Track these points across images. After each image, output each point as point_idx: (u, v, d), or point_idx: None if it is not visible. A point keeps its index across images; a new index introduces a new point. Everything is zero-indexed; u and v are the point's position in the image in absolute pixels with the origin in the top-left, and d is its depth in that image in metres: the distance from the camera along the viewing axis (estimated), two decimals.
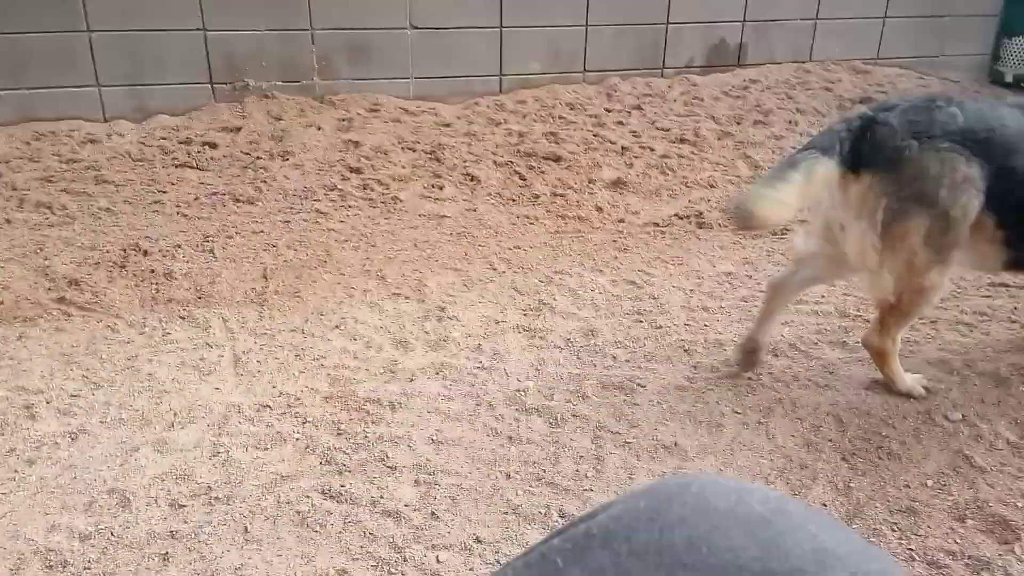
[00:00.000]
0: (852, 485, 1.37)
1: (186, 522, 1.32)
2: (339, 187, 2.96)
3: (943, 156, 1.45)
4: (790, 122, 3.60)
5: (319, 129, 3.43)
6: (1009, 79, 4.04)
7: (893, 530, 1.27)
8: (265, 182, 3.01)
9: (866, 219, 1.50)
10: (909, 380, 1.63)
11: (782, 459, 1.45)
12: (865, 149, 1.50)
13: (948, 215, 1.46)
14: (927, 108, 1.50)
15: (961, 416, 1.55)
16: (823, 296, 2.10)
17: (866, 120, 1.53)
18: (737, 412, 1.60)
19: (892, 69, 4.25)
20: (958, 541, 1.24)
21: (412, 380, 1.74)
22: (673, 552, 0.31)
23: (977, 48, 4.43)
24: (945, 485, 1.36)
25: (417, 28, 3.74)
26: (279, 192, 2.94)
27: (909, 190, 1.46)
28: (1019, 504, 1.32)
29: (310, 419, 1.59)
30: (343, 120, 3.53)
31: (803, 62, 4.24)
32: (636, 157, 3.26)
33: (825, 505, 1.33)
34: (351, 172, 3.07)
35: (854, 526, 1.27)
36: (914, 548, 1.23)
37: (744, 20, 4.16)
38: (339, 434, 1.54)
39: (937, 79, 4.17)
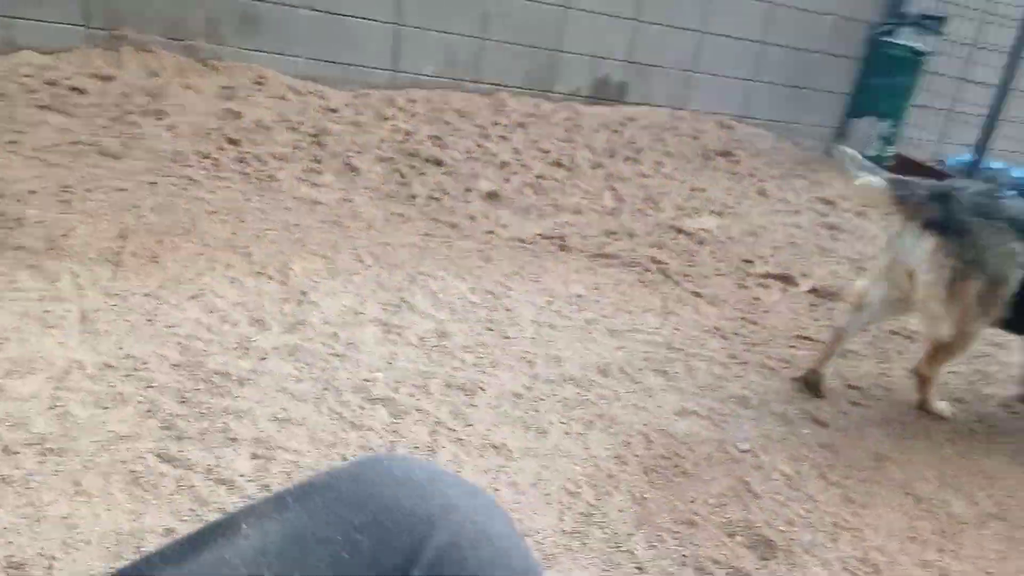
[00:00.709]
0: (647, 496, 1.57)
1: (17, 468, 1.31)
2: (214, 156, 2.92)
3: (999, 231, 1.85)
4: (657, 163, 3.90)
5: (199, 93, 3.35)
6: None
7: (673, 538, 1.47)
8: (134, 138, 2.91)
9: (935, 272, 1.89)
10: (940, 404, 2.10)
11: (592, 467, 1.62)
12: (942, 216, 1.88)
13: (997, 279, 1.87)
14: (990, 194, 1.93)
15: (748, 448, 1.79)
16: (656, 328, 2.34)
17: (947, 192, 1.93)
18: (563, 422, 1.77)
19: (753, 128, 4.69)
20: (725, 553, 1.46)
21: (264, 359, 1.78)
22: (360, 498, 0.49)
23: (829, 122, 4.97)
24: (724, 505, 1.58)
25: (314, 10, 3.73)
26: (148, 152, 2.86)
27: (971, 254, 1.85)
28: (782, 528, 1.56)
29: (155, 384, 1.60)
30: (225, 88, 3.46)
31: (677, 109, 4.59)
32: (514, 173, 3.42)
33: (621, 511, 1.51)
34: (229, 143, 3.03)
35: (641, 531, 1.47)
36: (687, 555, 1.43)
37: (628, 61, 4.45)
38: (183, 402, 1.56)
39: (791, 144, 4.64)
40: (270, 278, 2.17)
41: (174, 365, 1.69)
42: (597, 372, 2.01)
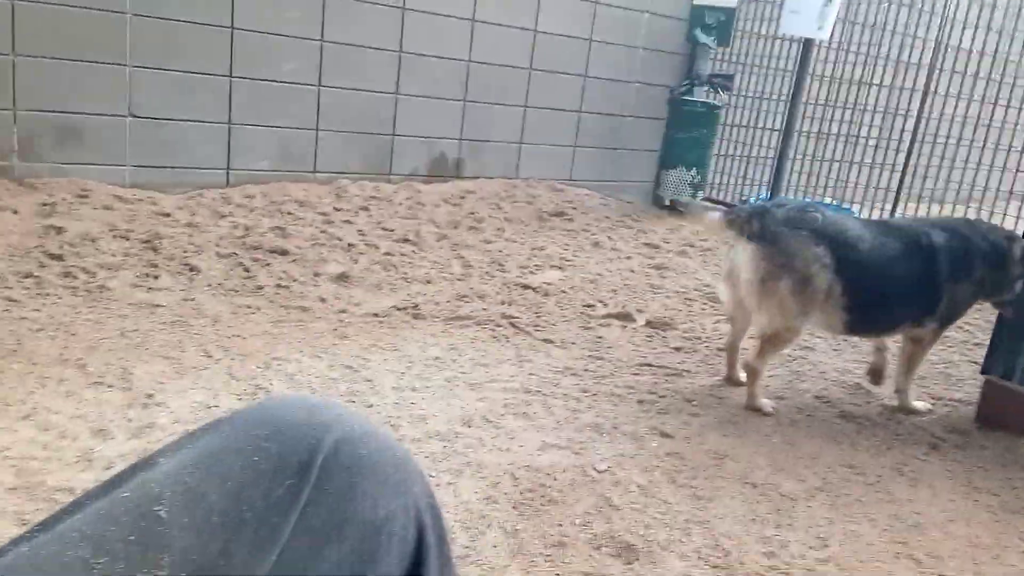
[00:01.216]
0: (518, 528, 1.64)
1: None
2: (35, 274, 2.78)
3: (801, 238, 2.21)
4: (499, 229, 4.11)
5: (15, 213, 3.20)
6: (667, 202, 5.02)
7: (546, 561, 1.54)
8: None
9: (751, 273, 2.25)
10: (763, 401, 2.35)
11: (464, 512, 1.67)
12: (758, 228, 2.23)
13: (803, 278, 2.21)
14: (801, 209, 2.31)
15: (606, 467, 1.92)
16: (513, 376, 2.45)
17: (763, 210, 2.29)
18: (432, 475, 1.81)
19: (582, 189, 5.06)
20: (594, 565, 1.55)
21: (109, 468, 1.71)
22: (263, 418, 0.58)
23: (646, 176, 5.45)
24: (588, 522, 1.68)
25: (137, 117, 3.70)
26: None
27: (779, 259, 2.21)
28: (641, 532, 1.67)
29: None
30: (45, 204, 3.33)
31: (511, 178, 4.88)
32: (361, 254, 3.49)
33: (495, 546, 1.57)
34: (51, 259, 2.91)
35: (516, 561, 1.53)
36: (560, 572, 1.51)
37: (461, 138, 4.71)
38: (23, 524, 1.47)
39: (616, 200, 5.04)
40: (110, 386, 2.08)
41: (10, 489, 1.59)
42: (461, 424, 2.08)
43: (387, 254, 3.54)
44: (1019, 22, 4.02)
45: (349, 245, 3.55)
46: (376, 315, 2.90)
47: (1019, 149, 4.70)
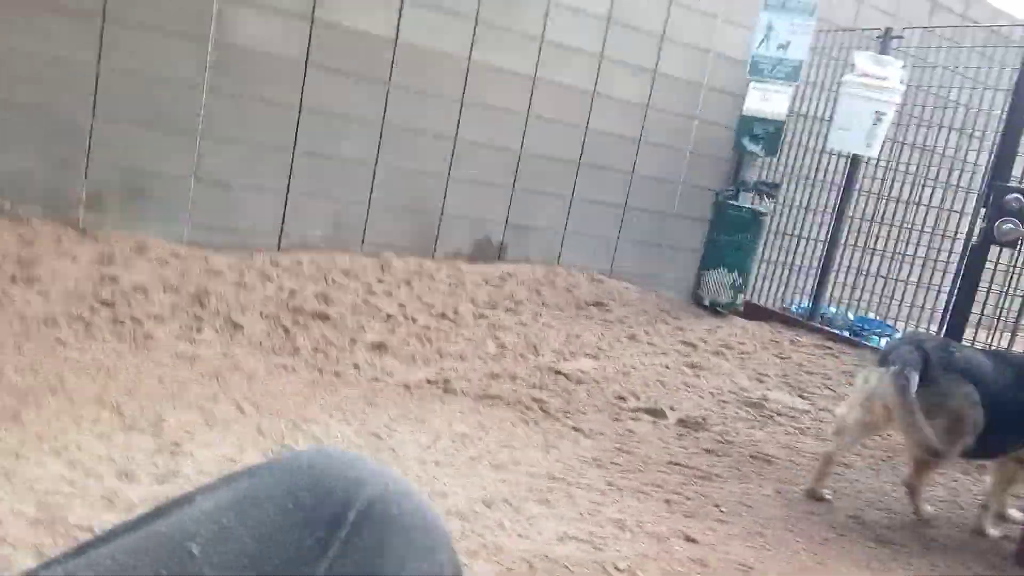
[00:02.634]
0: None
1: None
2: (85, 318, 2.88)
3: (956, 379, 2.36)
4: (536, 313, 4.14)
5: (74, 260, 3.34)
6: (706, 303, 5.00)
7: None
8: (1, 306, 2.84)
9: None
10: (925, 507, 2.49)
11: None
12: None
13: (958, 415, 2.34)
14: (946, 348, 2.46)
15: (626, 567, 1.85)
16: (538, 461, 2.42)
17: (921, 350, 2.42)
18: None
19: (621, 282, 5.09)
20: None
21: (130, 510, 1.71)
22: (300, 467, 0.59)
23: (686, 274, 5.47)
24: None
25: (201, 179, 3.88)
26: (16, 316, 2.79)
27: (938, 397, 2.34)
28: None
29: (9, 541, 1.50)
30: (104, 255, 3.47)
31: (552, 265, 4.95)
32: (399, 325, 3.54)
33: None
34: (102, 305, 3.01)
35: None
36: None
37: (507, 223, 4.82)
38: (40, 557, 1.48)
39: (655, 295, 5.05)
40: (141, 431, 2.11)
41: (31, 522, 1.60)
42: (482, 504, 2.05)
43: (424, 327, 3.59)
44: None
45: (388, 316, 3.60)
46: (407, 386, 2.92)
47: None
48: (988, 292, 3.84)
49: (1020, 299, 3.94)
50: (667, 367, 3.70)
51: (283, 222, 4.13)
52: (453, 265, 4.54)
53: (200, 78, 3.78)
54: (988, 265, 3.91)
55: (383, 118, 4.27)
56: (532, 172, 4.82)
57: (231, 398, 2.45)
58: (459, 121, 4.50)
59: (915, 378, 2.32)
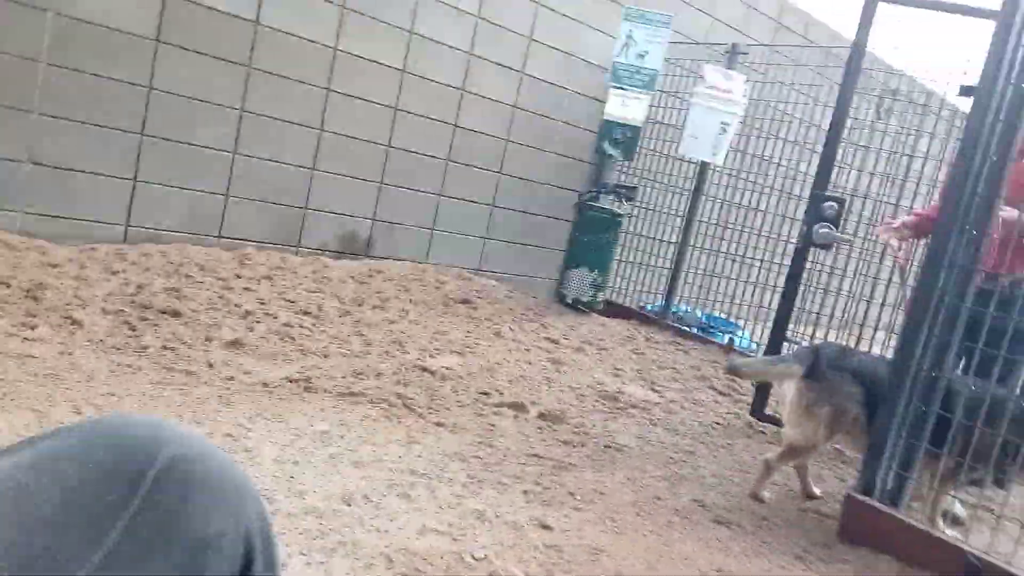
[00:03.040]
0: None
1: None
2: None
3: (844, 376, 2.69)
4: (403, 310, 4.13)
5: None
6: (569, 301, 5.19)
7: None
8: None
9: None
10: (765, 493, 2.78)
11: None
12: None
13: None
14: (842, 351, 2.83)
15: (484, 555, 1.91)
16: (400, 457, 2.43)
17: (815, 351, 2.80)
18: (303, 553, 1.76)
19: (489, 280, 5.18)
20: None
21: None
22: (101, 429, 0.60)
23: (551, 273, 5.65)
24: None
25: (38, 164, 3.58)
26: None
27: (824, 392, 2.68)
28: None
29: None
30: None
31: (420, 262, 4.96)
32: (258, 322, 3.43)
33: None
34: None
35: None
36: None
37: (374, 219, 4.77)
38: None
39: (521, 293, 5.17)
40: None
41: None
42: (341, 502, 2.04)
43: (286, 324, 3.49)
44: (899, 169, 4.52)
45: (247, 312, 3.48)
46: (266, 385, 2.84)
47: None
48: (817, 291, 4.24)
49: (846, 297, 4.38)
50: (530, 363, 3.82)
51: (130, 212, 3.88)
52: (318, 260, 4.45)
53: (37, 50, 3.48)
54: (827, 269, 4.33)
55: (242, 104, 4.10)
56: (401, 168, 4.80)
57: (68, 400, 2.29)
58: (324, 112, 4.40)
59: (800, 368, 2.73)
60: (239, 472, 0.62)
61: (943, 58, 3.68)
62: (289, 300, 3.80)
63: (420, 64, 4.70)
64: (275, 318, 3.52)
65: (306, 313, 3.70)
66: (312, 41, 4.26)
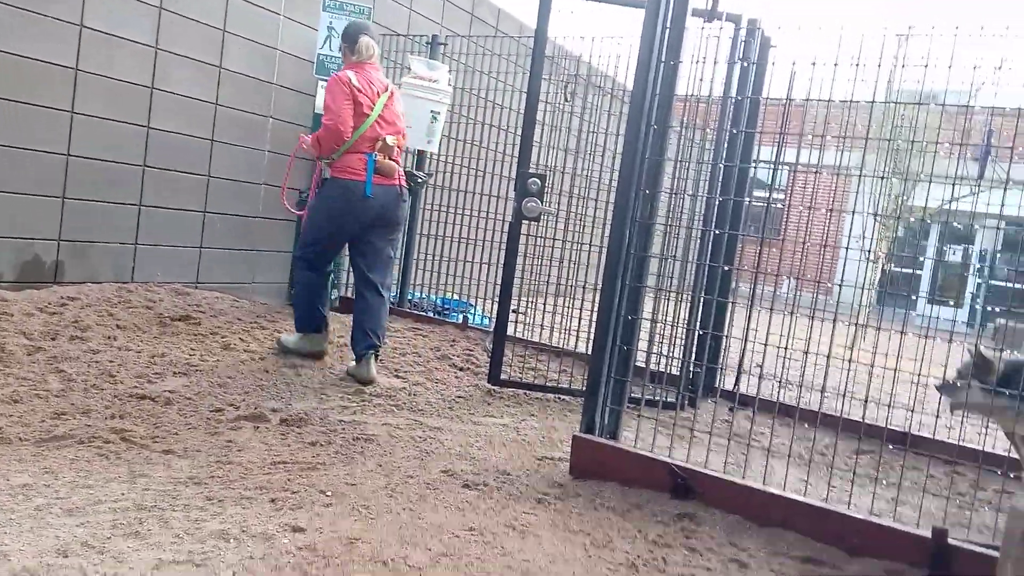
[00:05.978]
0: None
1: None
2: None
3: None
4: (109, 337, 3.70)
5: None
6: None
7: None
8: None
9: None
10: None
11: None
12: None
13: None
14: None
15: (232, 574, 1.81)
16: (122, 495, 2.19)
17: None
18: None
19: (211, 292, 4.83)
20: None
21: None
22: None
23: (280, 278, 5.42)
24: None
25: None
26: None
27: None
28: None
29: None
30: None
31: (125, 283, 4.46)
32: None
33: None
34: None
35: None
36: None
37: (60, 239, 4.20)
38: None
39: (249, 301, 4.90)
40: None
41: None
42: (55, 555, 1.79)
43: None
44: (588, 145, 5.05)
45: None
46: None
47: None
48: (540, 260, 4.59)
49: (556, 266, 4.79)
50: (267, 371, 3.65)
51: None
52: None
53: None
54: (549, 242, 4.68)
55: None
56: (86, 179, 4.27)
57: None
58: None
59: None
60: None
61: (615, 45, 4.19)
62: None
63: (95, 62, 4.20)
64: None
65: None
66: None
